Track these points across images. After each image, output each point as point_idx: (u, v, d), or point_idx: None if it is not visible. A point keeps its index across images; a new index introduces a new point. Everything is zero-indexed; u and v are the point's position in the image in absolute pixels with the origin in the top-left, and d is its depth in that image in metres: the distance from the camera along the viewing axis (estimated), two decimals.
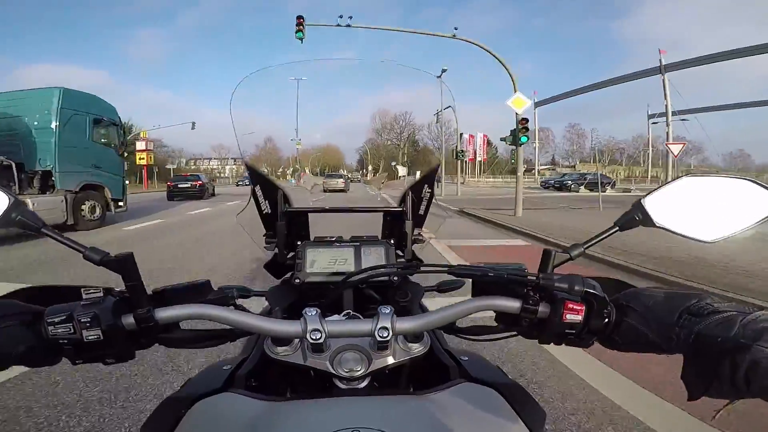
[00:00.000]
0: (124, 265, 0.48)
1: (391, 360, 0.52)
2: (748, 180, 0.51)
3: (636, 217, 0.53)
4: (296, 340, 0.52)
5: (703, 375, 0.38)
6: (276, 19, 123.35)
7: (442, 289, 0.85)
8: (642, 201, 0.53)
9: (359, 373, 0.51)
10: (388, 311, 0.49)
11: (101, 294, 0.46)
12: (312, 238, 0.87)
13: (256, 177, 0.83)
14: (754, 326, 0.35)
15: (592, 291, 0.46)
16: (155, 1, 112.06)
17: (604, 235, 0.54)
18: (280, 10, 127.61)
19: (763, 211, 0.49)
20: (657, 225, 0.52)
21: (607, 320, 0.47)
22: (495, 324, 0.58)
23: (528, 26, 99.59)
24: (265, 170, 0.82)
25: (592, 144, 68.39)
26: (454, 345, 0.69)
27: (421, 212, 0.90)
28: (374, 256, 0.77)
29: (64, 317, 0.44)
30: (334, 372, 0.51)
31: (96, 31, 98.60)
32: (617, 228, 0.54)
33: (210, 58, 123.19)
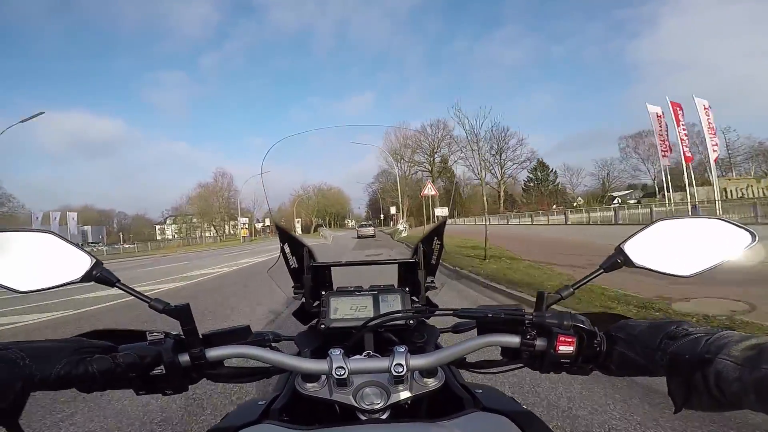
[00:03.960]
0: (182, 313, 0.57)
1: (408, 394, 0.58)
2: (720, 219, 0.58)
3: (618, 260, 0.60)
4: (323, 378, 0.59)
5: (682, 389, 0.43)
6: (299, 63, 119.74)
7: (457, 330, 0.90)
8: (622, 245, 0.60)
9: (379, 405, 0.57)
10: (402, 350, 0.56)
11: (162, 336, 0.56)
12: (335, 288, 0.95)
13: (284, 236, 0.93)
14: (717, 342, 0.41)
15: (580, 325, 0.53)
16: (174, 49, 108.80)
17: (591, 277, 0.61)
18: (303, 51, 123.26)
19: (737, 245, 0.55)
20: (636, 265, 0.59)
21: (599, 349, 0.53)
22: (501, 358, 0.64)
23: (548, 54, 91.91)
24: (294, 232, 0.92)
25: (727, 149, 42.44)
26: (477, 380, 0.74)
27: (433, 262, 0.97)
28: (391, 303, 0.84)
29: (133, 354, 0.53)
30: (357, 405, 0.57)
31: (111, 80, 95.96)
32: (602, 270, 0.61)
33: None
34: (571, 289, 0.60)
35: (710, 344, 0.41)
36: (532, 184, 56.16)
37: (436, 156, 55.68)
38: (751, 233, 0.55)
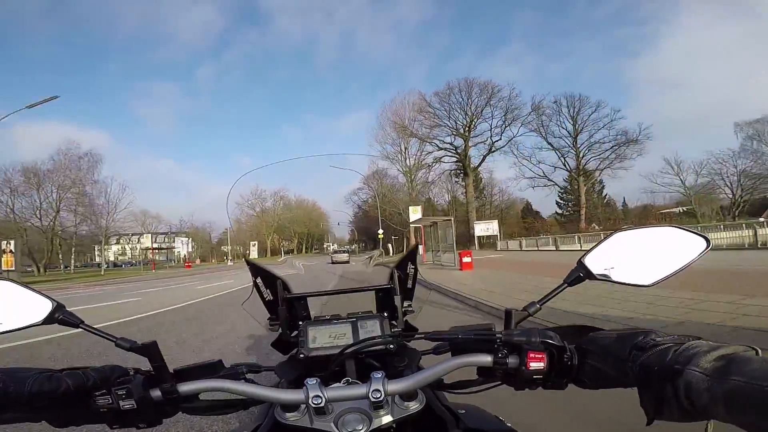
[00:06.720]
0: (149, 350, 0.57)
1: (390, 418, 0.58)
2: (673, 227, 0.61)
3: (580, 274, 0.62)
4: (303, 407, 0.59)
5: (653, 401, 0.43)
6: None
7: (438, 351, 0.88)
8: (582, 259, 0.63)
9: None
10: (379, 375, 0.56)
11: (132, 373, 0.56)
12: (312, 317, 0.95)
13: (256, 270, 0.93)
14: (686, 353, 0.41)
15: (549, 341, 0.54)
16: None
17: (555, 292, 0.63)
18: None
19: (692, 251, 0.58)
20: (597, 278, 0.61)
21: (570, 363, 0.54)
22: (477, 378, 0.64)
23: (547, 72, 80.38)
24: (264, 266, 0.93)
25: None
26: (462, 401, 0.74)
27: (409, 286, 0.98)
28: (370, 329, 0.84)
29: (104, 390, 0.53)
30: None
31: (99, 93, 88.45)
32: (566, 285, 0.63)
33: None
34: (538, 305, 0.62)
35: (679, 355, 0.41)
36: (569, 197, 39.65)
37: (472, 134, 32.47)
38: (706, 239, 0.58)
